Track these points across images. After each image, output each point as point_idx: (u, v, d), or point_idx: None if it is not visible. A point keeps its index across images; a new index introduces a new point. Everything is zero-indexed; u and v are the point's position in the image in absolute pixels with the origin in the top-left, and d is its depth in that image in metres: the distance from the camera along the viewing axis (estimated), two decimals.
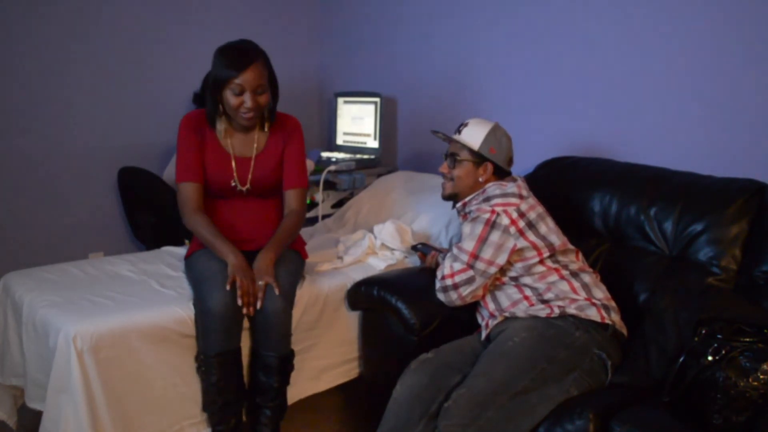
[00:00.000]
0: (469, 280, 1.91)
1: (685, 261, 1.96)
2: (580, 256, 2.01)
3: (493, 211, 1.91)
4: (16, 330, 1.99)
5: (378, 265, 2.33)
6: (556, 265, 1.93)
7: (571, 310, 1.82)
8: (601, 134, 2.49)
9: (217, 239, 2.02)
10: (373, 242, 2.42)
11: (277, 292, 1.91)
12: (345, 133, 3.41)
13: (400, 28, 3.24)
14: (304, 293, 2.10)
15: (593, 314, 1.82)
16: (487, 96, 2.87)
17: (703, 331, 1.51)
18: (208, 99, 2.04)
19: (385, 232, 2.44)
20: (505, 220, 1.89)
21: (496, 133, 2.04)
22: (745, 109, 2.11)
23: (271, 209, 2.17)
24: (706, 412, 1.44)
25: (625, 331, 1.87)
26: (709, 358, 1.45)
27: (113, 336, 1.75)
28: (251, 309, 1.88)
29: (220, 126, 2.07)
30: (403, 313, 2.02)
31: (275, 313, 1.92)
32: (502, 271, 1.95)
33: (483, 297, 1.98)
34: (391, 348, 2.12)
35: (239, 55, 1.95)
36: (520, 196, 1.94)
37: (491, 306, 1.96)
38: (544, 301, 1.87)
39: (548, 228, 1.94)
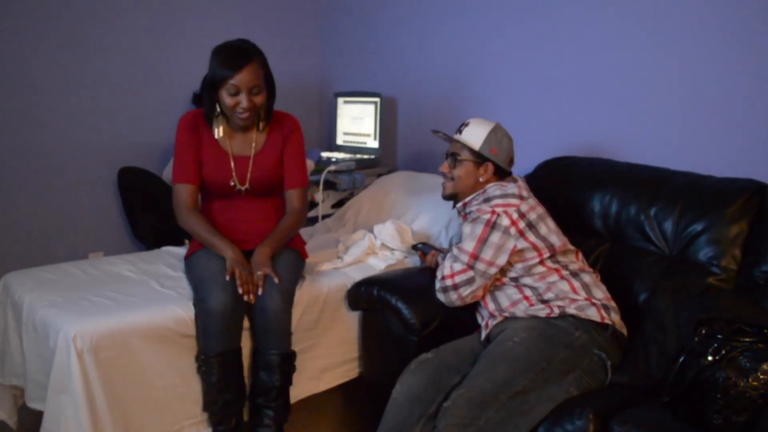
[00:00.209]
0: (469, 281, 1.91)
1: (685, 261, 1.96)
2: (580, 256, 2.01)
3: (493, 212, 1.91)
4: (16, 330, 1.99)
5: (378, 265, 2.33)
6: (556, 266, 1.93)
7: (571, 310, 1.82)
8: (601, 134, 2.49)
9: (213, 236, 2.03)
10: (373, 242, 2.42)
11: (276, 280, 1.93)
12: (345, 133, 3.41)
13: (400, 28, 3.24)
14: (304, 293, 2.10)
15: (593, 314, 1.82)
16: (487, 96, 2.87)
17: (703, 331, 1.51)
18: (206, 99, 2.04)
19: (385, 232, 2.44)
20: (505, 221, 1.89)
21: (497, 134, 2.04)
22: (745, 109, 2.11)
23: (270, 208, 2.17)
24: (706, 412, 1.44)
25: (625, 331, 1.87)
26: (709, 358, 1.45)
27: (113, 336, 1.75)
28: (252, 297, 1.91)
29: (218, 125, 2.07)
30: (403, 313, 2.02)
31: (275, 311, 1.92)
32: (503, 271, 1.95)
33: (483, 297, 1.98)
34: (391, 348, 2.12)
35: (234, 55, 1.95)
36: (521, 197, 1.94)
37: (491, 306, 1.96)
38: (544, 301, 1.87)
39: (548, 229, 1.94)
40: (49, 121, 2.87)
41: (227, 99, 1.98)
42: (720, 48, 2.14)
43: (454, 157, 2.07)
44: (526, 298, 1.90)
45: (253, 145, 2.12)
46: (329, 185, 3.10)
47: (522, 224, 1.90)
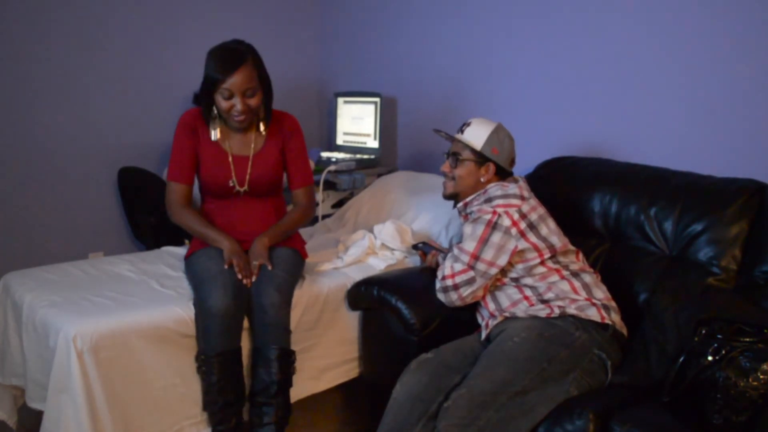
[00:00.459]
0: (470, 281, 1.91)
1: (685, 261, 1.96)
2: (581, 256, 2.01)
3: (494, 212, 1.91)
4: (16, 330, 1.99)
5: (378, 265, 2.33)
6: (557, 266, 1.93)
7: (571, 310, 1.82)
8: (601, 134, 2.49)
9: (208, 229, 2.04)
10: (373, 242, 2.42)
11: (269, 267, 1.97)
12: (345, 133, 3.40)
13: (400, 28, 3.23)
14: (304, 293, 2.10)
15: (593, 314, 1.82)
16: (488, 96, 2.87)
17: (703, 331, 1.51)
18: (202, 101, 2.03)
19: (385, 232, 2.44)
20: (506, 222, 1.89)
21: (498, 134, 2.04)
22: (745, 110, 2.11)
23: (269, 208, 2.17)
24: (706, 412, 1.44)
25: (625, 331, 1.87)
26: (709, 358, 1.45)
27: (113, 336, 1.75)
28: (249, 281, 1.94)
29: (216, 127, 2.07)
30: (403, 313, 2.02)
31: (272, 306, 1.92)
32: (503, 271, 1.95)
33: (483, 297, 1.98)
34: (391, 348, 2.12)
35: (226, 57, 1.94)
36: (522, 197, 1.94)
37: (491, 306, 1.96)
38: (544, 301, 1.87)
39: (549, 229, 1.94)
40: (49, 121, 2.87)
41: (222, 102, 1.97)
42: (720, 48, 2.14)
43: (455, 157, 2.07)
44: (526, 298, 1.90)
45: (252, 145, 2.12)
46: (329, 185, 3.10)
47: (523, 225, 1.90)
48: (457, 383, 1.71)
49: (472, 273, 1.90)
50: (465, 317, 2.04)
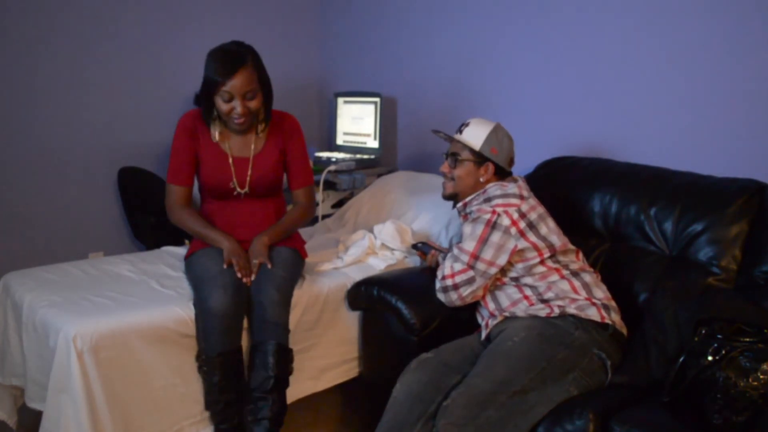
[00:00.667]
0: (470, 281, 1.91)
1: (685, 261, 1.96)
2: (581, 255, 2.01)
3: (494, 212, 1.91)
4: (16, 330, 1.99)
5: (378, 265, 2.33)
6: (556, 266, 1.93)
7: (571, 309, 1.82)
8: (601, 134, 2.49)
9: (207, 229, 2.04)
10: (373, 242, 2.42)
11: (269, 266, 1.97)
12: (345, 133, 3.40)
13: (400, 28, 3.24)
14: (304, 293, 2.10)
15: (593, 314, 1.82)
16: (488, 96, 2.87)
17: (703, 331, 1.51)
18: (203, 103, 2.03)
19: (385, 232, 2.44)
20: (505, 221, 1.89)
21: (497, 134, 2.04)
22: (745, 109, 2.11)
23: (270, 209, 2.18)
24: (706, 412, 1.44)
25: (625, 331, 1.87)
26: (709, 358, 1.45)
27: (113, 336, 1.75)
28: (248, 280, 1.95)
29: (216, 129, 2.07)
30: (403, 313, 2.02)
31: (271, 304, 1.92)
32: (503, 271, 1.95)
33: (483, 297, 1.98)
34: (391, 348, 2.12)
35: (226, 60, 1.93)
36: (521, 197, 1.94)
37: (491, 306, 1.96)
38: (544, 301, 1.87)
39: (549, 229, 1.94)
40: (49, 121, 2.87)
41: (222, 105, 1.97)
42: (720, 48, 2.14)
43: (454, 157, 2.07)
44: (526, 297, 1.90)
45: (253, 146, 2.12)
46: (329, 185, 3.10)
47: (522, 224, 1.90)
48: (457, 383, 1.71)
49: (471, 273, 1.90)
50: (465, 317, 2.04)
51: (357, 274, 2.26)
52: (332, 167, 3.01)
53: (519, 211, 1.91)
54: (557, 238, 1.94)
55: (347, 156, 3.23)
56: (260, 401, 1.90)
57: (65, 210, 2.97)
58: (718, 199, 1.96)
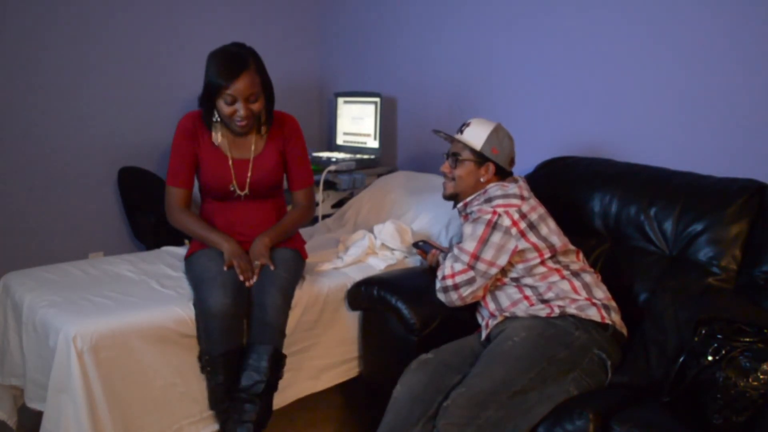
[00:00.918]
0: (470, 281, 1.91)
1: (685, 261, 1.96)
2: (581, 256, 2.01)
3: (494, 212, 1.91)
4: (16, 330, 1.99)
5: (378, 265, 2.33)
6: (557, 266, 1.92)
7: (572, 309, 1.82)
8: (601, 134, 2.49)
9: (207, 231, 2.04)
10: (373, 242, 2.42)
11: (272, 268, 1.97)
12: (345, 133, 3.41)
13: (400, 27, 3.24)
14: (304, 293, 2.10)
15: (593, 314, 1.82)
16: (488, 96, 2.87)
17: (703, 331, 1.51)
18: (203, 105, 2.02)
19: (385, 232, 2.44)
20: (506, 222, 1.89)
21: (498, 134, 2.04)
22: (745, 109, 2.11)
23: (270, 210, 2.17)
24: (706, 412, 1.44)
25: (625, 331, 1.87)
26: (709, 358, 1.45)
27: (113, 336, 1.75)
28: (250, 283, 1.95)
29: (217, 132, 2.07)
30: (403, 313, 2.02)
31: (273, 307, 1.92)
32: (503, 271, 1.95)
33: (483, 297, 1.98)
34: (391, 348, 2.12)
35: (229, 63, 1.92)
36: (522, 197, 1.94)
37: (491, 306, 1.96)
38: (545, 301, 1.87)
39: (549, 229, 1.94)
40: (50, 121, 2.87)
41: (224, 108, 1.96)
42: (720, 48, 2.14)
43: (455, 157, 2.07)
44: (526, 297, 1.90)
45: (253, 147, 2.11)
46: (329, 185, 3.10)
47: (523, 225, 1.90)
48: (457, 383, 1.71)
49: (472, 273, 1.90)
50: (465, 317, 2.04)
51: (357, 274, 2.26)
52: (332, 167, 3.01)
53: (520, 211, 1.91)
54: (558, 239, 1.94)
55: (347, 156, 3.23)
56: (247, 403, 1.89)
57: (65, 210, 2.97)
58: (718, 199, 1.96)
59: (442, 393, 1.72)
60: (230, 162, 2.09)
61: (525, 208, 1.92)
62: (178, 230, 2.16)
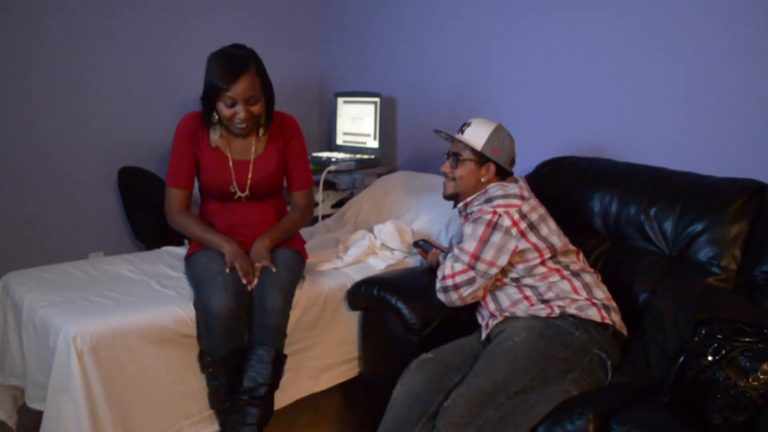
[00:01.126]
0: (470, 281, 1.91)
1: (685, 261, 1.96)
2: (581, 256, 2.01)
3: (494, 213, 1.91)
4: (16, 330, 1.99)
5: (378, 265, 2.33)
6: (557, 266, 1.93)
7: (572, 309, 1.82)
8: (601, 134, 2.49)
9: (208, 232, 2.04)
10: (373, 242, 2.42)
11: (273, 270, 1.96)
12: (345, 133, 3.41)
13: (401, 28, 3.24)
14: (304, 293, 2.10)
15: (593, 314, 1.82)
16: (488, 96, 2.87)
17: (703, 331, 1.51)
18: (203, 107, 2.02)
19: (385, 232, 2.44)
20: (506, 222, 1.89)
21: (499, 134, 2.04)
22: (745, 109, 2.11)
23: (270, 210, 2.17)
24: (706, 412, 1.44)
25: (625, 331, 1.87)
26: (709, 358, 1.45)
27: (113, 336, 1.75)
28: (252, 286, 1.94)
29: (216, 133, 2.06)
30: (403, 313, 2.02)
31: (274, 309, 1.92)
32: (503, 271, 1.95)
33: (483, 297, 1.98)
34: (391, 348, 2.12)
35: (229, 66, 1.91)
36: (522, 197, 1.94)
37: (491, 306, 1.96)
38: (545, 301, 1.87)
39: (549, 229, 1.94)
40: (50, 121, 2.87)
41: (224, 110, 1.96)
42: (720, 48, 2.14)
43: (456, 157, 2.07)
44: (526, 297, 1.90)
45: (253, 149, 2.11)
46: (329, 185, 3.10)
47: (523, 225, 1.90)
48: (457, 383, 1.71)
49: (472, 273, 1.90)
50: (465, 317, 2.04)
51: (357, 274, 2.26)
52: (332, 167, 3.01)
53: (520, 211, 1.91)
54: (558, 239, 1.94)
55: (347, 156, 3.23)
56: (249, 406, 1.90)
57: (65, 210, 2.97)
58: (718, 199, 1.96)
59: (442, 393, 1.72)
60: (231, 163, 2.09)
61: (525, 208, 1.92)
62: (171, 228, 2.16)
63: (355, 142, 3.35)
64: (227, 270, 1.92)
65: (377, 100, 3.20)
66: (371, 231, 2.48)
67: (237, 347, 1.91)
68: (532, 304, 1.88)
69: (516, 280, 1.94)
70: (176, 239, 2.63)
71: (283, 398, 2.07)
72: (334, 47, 3.64)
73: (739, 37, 2.10)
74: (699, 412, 1.45)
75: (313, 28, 3.67)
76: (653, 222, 2.05)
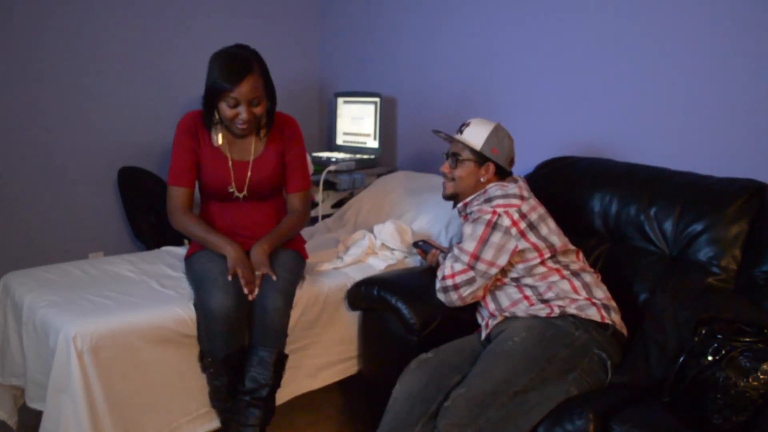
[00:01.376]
0: (470, 281, 1.91)
1: (685, 261, 1.96)
2: (581, 256, 2.01)
3: (494, 212, 1.91)
4: (16, 330, 1.99)
5: (378, 265, 2.33)
6: (557, 266, 1.93)
7: (572, 309, 1.82)
8: (601, 134, 2.49)
9: (211, 234, 2.03)
10: (373, 242, 2.42)
11: (274, 278, 1.94)
12: (345, 133, 3.41)
13: (401, 28, 3.24)
14: (304, 293, 2.10)
15: (593, 314, 1.82)
16: (488, 96, 2.87)
17: (703, 331, 1.51)
18: (204, 107, 2.02)
19: (385, 232, 2.44)
20: (506, 222, 1.89)
21: (498, 134, 2.04)
22: (745, 109, 2.11)
23: (270, 211, 2.17)
24: (706, 412, 1.44)
25: (625, 331, 1.87)
26: (709, 358, 1.45)
27: (113, 336, 1.75)
28: (253, 296, 1.92)
29: (217, 133, 2.06)
30: (403, 313, 2.02)
31: (275, 310, 1.92)
32: (503, 271, 1.95)
33: (483, 297, 1.98)
34: (391, 348, 2.12)
35: (234, 66, 1.91)
36: (522, 197, 1.94)
37: (491, 306, 1.96)
38: (544, 301, 1.87)
39: (549, 229, 1.94)
40: (50, 121, 2.87)
41: (227, 111, 1.96)
42: (720, 48, 2.14)
43: (455, 157, 2.07)
44: (526, 297, 1.90)
45: (253, 149, 2.11)
46: (329, 185, 3.10)
47: (523, 225, 1.90)
48: (457, 383, 1.71)
49: (472, 273, 1.90)
50: (465, 317, 2.04)
51: (357, 274, 2.26)
52: (332, 167, 3.01)
53: (519, 211, 1.91)
54: (558, 239, 1.94)
55: (347, 156, 3.23)
56: (251, 407, 1.91)
57: (65, 210, 2.97)
58: (718, 199, 1.96)
59: (442, 393, 1.72)
60: (230, 163, 2.08)
61: (525, 208, 1.92)
62: (174, 228, 2.16)
63: (355, 142, 3.35)
64: (229, 277, 1.90)
65: (377, 100, 3.20)
66: (371, 231, 2.48)
67: (237, 348, 1.91)
68: (532, 304, 1.88)
69: (516, 279, 1.94)
70: (176, 239, 2.63)
71: (280, 396, 2.06)
72: (334, 47, 3.64)
73: (739, 37, 2.10)
74: (699, 412, 1.45)
75: (313, 28, 3.67)
76: (653, 222, 2.05)
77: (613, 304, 1.89)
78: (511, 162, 2.10)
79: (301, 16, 3.61)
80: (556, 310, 1.82)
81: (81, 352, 1.70)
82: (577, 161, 2.39)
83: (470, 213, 2.01)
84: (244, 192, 2.10)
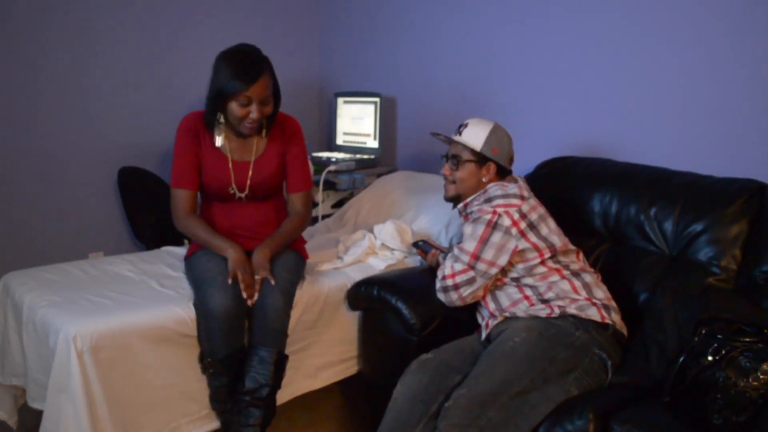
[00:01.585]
0: (470, 281, 1.91)
1: (685, 261, 1.96)
2: (581, 256, 2.01)
3: (494, 212, 1.91)
4: (16, 330, 1.99)
5: (378, 265, 2.33)
6: (557, 266, 1.93)
7: (572, 309, 1.82)
8: (601, 134, 2.49)
9: (213, 237, 2.03)
10: (373, 242, 2.42)
11: (273, 282, 1.93)
12: (345, 133, 3.41)
13: (401, 27, 3.24)
14: (304, 293, 2.10)
15: (594, 314, 1.82)
16: (488, 96, 2.87)
17: (703, 331, 1.51)
18: (209, 107, 2.01)
19: (385, 232, 2.44)
20: (506, 221, 1.89)
21: (497, 133, 2.04)
22: (745, 110, 2.11)
23: (270, 211, 2.17)
24: (706, 412, 1.44)
25: (625, 331, 1.87)
26: (709, 358, 1.45)
27: (113, 336, 1.75)
28: (252, 301, 1.92)
29: (220, 133, 2.06)
30: (403, 313, 2.02)
31: (275, 310, 1.92)
32: (503, 271, 1.95)
33: (483, 297, 1.98)
34: (391, 348, 2.12)
35: (248, 66, 1.92)
36: (522, 197, 1.94)
37: (491, 306, 1.96)
38: (545, 301, 1.87)
39: (549, 229, 1.94)
40: (50, 121, 2.87)
41: (237, 110, 1.95)
42: (720, 48, 2.14)
43: (456, 159, 2.07)
44: (526, 297, 1.90)
45: (254, 150, 2.11)
46: (329, 185, 3.10)
47: (523, 224, 1.90)
48: (458, 383, 1.71)
49: (472, 273, 1.90)
50: (465, 317, 2.04)
51: (357, 274, 2.26)
52: (332, 167, 3.01)
53: (520, 211, 1.91)
54: (558, 239, 1.94)
55: (347, 156, 3.23)
56: (252, 407, 1.90)
57: (65, 210, 2.97)
58: (718, 199, 1.96)
59: (443, 393, 1.72)
60: (230, 164, 2.08)
61: (525, 208, 1.92)
62: (178, 231, 2.16)
63: (355, 142, 3.35)
64: (229, 281, 1.90)
65: (377, 100, 3.20)
66: (371, 231, 2.48)
67: (237, 348, 1.91)
68: (532, 304, 1.88)
69: (516, 279, 1.94)
70: (176, 239, 2.63)
71: (281, 396, 2.06)
72: (334, 47, 3.64)
73: (739, 37, 2.10)
74: (699, 412, 1.45)
75: (313, 28, 3.67)
76: (653, 222, 2.05)
77: (613, 304, 1.89)
78: (511, 161, 2.10)
79: (301, 16, 3.61)
80: (557, 310, 1.82)
81: (81, 352, 1.70)
82: (577, 161, 2.39)
83: (470, 213, 2.01)
84: (245, 192, 2.10)
